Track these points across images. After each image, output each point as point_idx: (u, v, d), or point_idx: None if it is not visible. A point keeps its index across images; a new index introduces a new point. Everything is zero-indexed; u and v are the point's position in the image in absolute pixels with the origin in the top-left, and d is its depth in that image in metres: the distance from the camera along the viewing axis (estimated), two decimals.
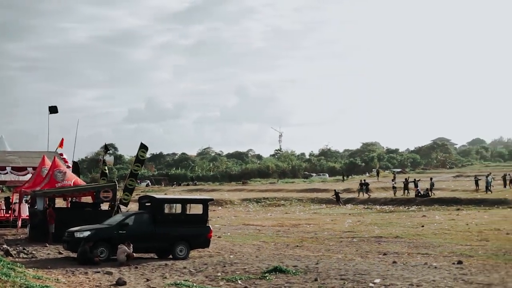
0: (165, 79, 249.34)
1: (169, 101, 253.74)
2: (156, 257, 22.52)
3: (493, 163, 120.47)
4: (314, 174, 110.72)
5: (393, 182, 59.72)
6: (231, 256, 22.54)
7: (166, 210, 23.54)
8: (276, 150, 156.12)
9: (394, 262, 20.63)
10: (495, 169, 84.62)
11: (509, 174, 59.31)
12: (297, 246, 26.50)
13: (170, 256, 22.05)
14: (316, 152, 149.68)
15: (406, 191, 55.53)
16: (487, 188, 52.78)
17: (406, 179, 59.21)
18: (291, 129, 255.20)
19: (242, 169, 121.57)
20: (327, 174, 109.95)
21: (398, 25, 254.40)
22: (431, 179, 57.34)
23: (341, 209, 51.04)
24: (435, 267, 18.88)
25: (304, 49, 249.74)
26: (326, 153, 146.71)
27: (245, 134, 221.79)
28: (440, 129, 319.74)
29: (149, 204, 23.70)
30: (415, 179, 58.03)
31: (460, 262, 20.12)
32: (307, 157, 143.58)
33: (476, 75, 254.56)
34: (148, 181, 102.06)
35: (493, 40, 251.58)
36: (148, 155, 38.18)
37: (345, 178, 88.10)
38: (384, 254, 23.26)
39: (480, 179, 56.09)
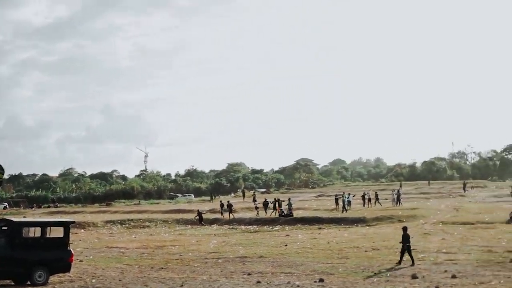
0: (27, 96, 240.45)
1: (30, 119, 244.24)
2: (13, 283, 21.46)
3: (353, 183, 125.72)
4: (180, 195, 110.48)
5: (255, 202, 60.61)
6: (93, 281, 21.92)
7: (24, 234, 22.49)
8: (142, 170, 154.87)
9: (258, 282, 20.86)
10: (354, 188, 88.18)
11: (367, 193, 61.98)
12: (162, 268, 26.17)
13: (29, 282, 21.09)
14: (182, 172, 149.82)
15: (268, 211, 56.31)
16: (344, 207, 54.72)
17: (265, 199, 60.57)
18: (157, 149, 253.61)
19: (106, 190, 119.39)
20: (192, 195, 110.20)
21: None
22: (289, 199, 58.49)
23: (206, 229, 51.00)
24: (298, 286, 19.27)
25: (172, 69, 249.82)
26: (192, 174, 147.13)
27: (110, 154, 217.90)
28: (303, 150, 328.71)
29: (6, 227, 22.58)
30: (279, 199, 59.03)
31: (321, 280, 20.67)
32: (173, 177, 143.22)
33: (336, 98, 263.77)
34: (6, 204, 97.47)
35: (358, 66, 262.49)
36: (6, 176, 36.47)
37: (213, 198, 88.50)
38: (249, 274, 23.44)
39: (340, 198, 57.96)
